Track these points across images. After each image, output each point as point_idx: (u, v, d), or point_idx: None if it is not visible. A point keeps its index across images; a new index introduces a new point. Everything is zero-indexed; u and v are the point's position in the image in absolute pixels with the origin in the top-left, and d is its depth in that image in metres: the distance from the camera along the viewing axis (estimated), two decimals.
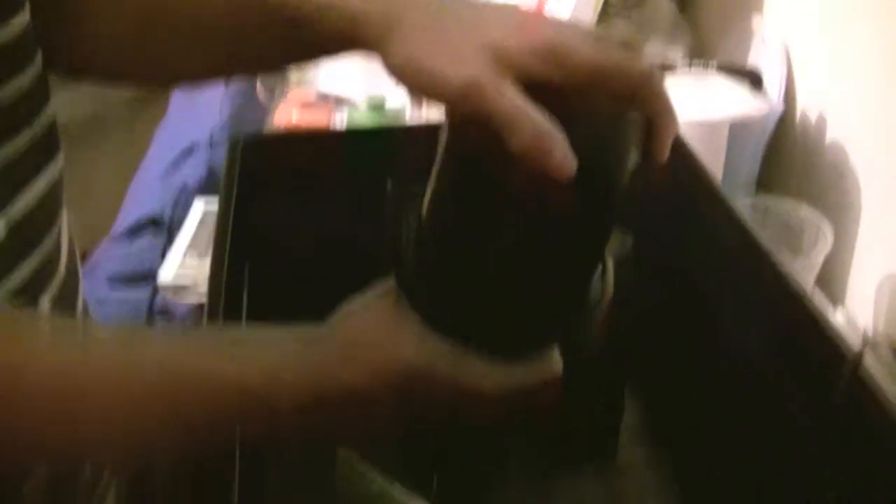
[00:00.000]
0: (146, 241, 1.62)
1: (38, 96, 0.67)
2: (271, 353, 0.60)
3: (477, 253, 0.62)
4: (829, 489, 0.70)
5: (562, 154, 0.55)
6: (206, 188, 1.60)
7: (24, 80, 0.64)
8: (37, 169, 0.67)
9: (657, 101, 0.60)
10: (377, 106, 1.59)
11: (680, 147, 0.97)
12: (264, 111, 1.73)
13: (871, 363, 0.68)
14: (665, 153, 0.61)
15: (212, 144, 1.65)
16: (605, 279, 0.67)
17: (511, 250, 0.62)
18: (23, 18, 0.64)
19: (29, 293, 0.66)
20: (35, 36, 0.66)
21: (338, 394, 0.60)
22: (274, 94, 1.71)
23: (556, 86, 0.58)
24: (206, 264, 1.35)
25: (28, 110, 0.66)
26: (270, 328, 0.62)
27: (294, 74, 1.75)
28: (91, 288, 1.41)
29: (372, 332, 0.63)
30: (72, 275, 0.73)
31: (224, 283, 0.74)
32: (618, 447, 0.97)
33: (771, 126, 1.39)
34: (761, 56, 1.52)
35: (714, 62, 1.46)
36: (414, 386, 0.61)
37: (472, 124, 0.57)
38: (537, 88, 0.57)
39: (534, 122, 0.55)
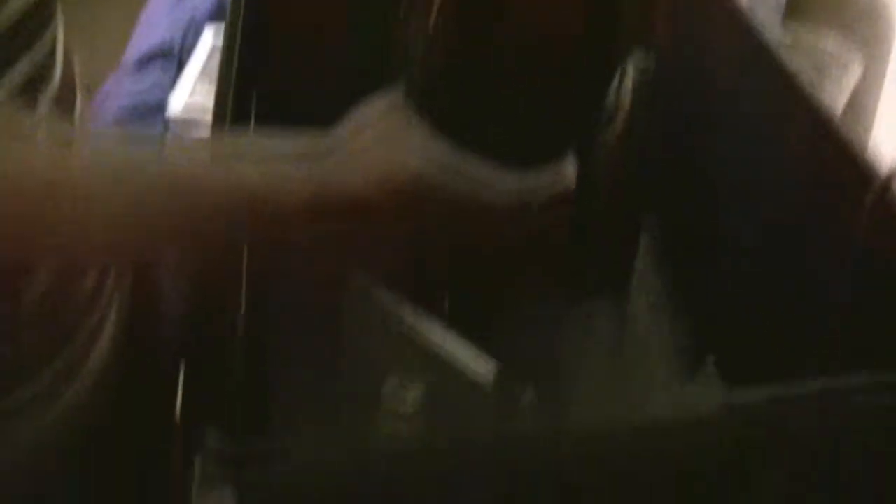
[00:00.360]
0: (156, 74, 1.59)
1: None
2: (275, 158, 0.59)
3: (485, 55, 0.61)
4: (851, 325, 0.69)
5: None
6: (215, 16, 1.56)
7: None
8: None
9: None
10: None
11: None
12: None
13: None
14: None
15: None
16: (622, 91, 0.65)
17: (519, 50, 0.60)
18: None
19: (26, 94, 0.64)
20: None
21: (344, 202, 0.59)
22: None
23: None
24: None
25: None
26: (274, 138, 0.60)
27: None
28: (100, 124, 1.39)
29: (379, 141, 0.61)
30: (69, 74, 0.71)
31: (230, 109, 0.72)
32: (631, 280, 0.96)
33: None
34: None
35: None
36: (421, 195, 0.60)
37: None
38: None
39: None
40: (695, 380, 0.79)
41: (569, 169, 0.65)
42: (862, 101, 1.23)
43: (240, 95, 0.76)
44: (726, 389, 0.79)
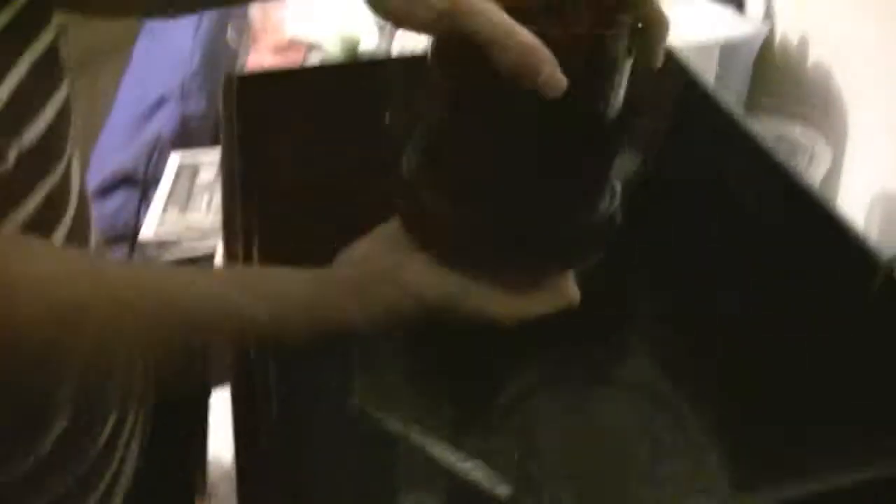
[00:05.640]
0: (119, 200, 1.59)
1: (35, 20, 0.64)
2: (282, 291, 0.59)
3: (481, 173, 0.62)
4: (863, 397, 0.70)
5: (550, 70, 0.53)
6: (179, 139, 1.57)
7: (15, 7, 0.61)
8: (44, 96, 0.64)
9: (646, 5, 0.58)
10: (351, 46, 1.56)
11: (680, 68, 0.96)
12: (234, 58, 1.69)
13: None
14: (659, 58, 0.60)
15: (183, 94, 1.62)
16: (613, 201, 0.66)
17: (514, 166, 0.61)
18: None
19: (42, 226, 0.64)
20: None
21: (348, 328, 0.60)
22: (244, 40, 1.67)
23: (537, 4, 0.57)
24: (188, 219, 1.33)
25: (26, 33, 0.63)
26: (280, 268, 0.61)
27: (260, 19, 1.72)
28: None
29: (383, 268, 0.62)
30: (83, 207, 0.71)
31: (240, 227, 0.72)
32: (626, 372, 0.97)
33: (757, 46, 1.38)
34: None
35: None
36: (428, 317, 0.61)
37: (458, 44, 0.55)
38: (519, 8, 0.56)
39: (519, 39, 0.53)
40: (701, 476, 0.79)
41: (572, 287, 0.65)
42: (823, 187, 1.26)
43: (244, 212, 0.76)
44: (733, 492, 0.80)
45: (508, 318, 0.62)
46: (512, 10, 0.55)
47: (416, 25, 0.58)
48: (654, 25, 0.59)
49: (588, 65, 0.57)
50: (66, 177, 0.68)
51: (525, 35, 0.53)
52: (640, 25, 0.59)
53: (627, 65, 0.59)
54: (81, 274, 0.54)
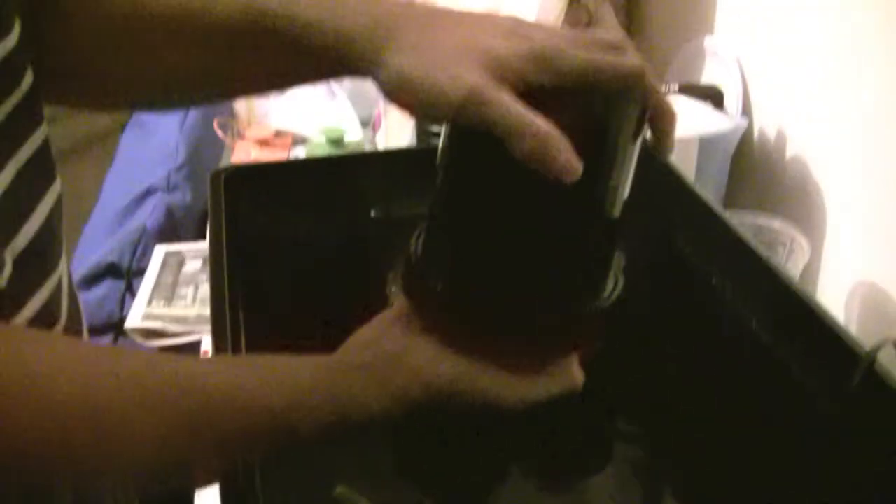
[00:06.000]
0: (104, 290, 1.59)
1: (27, 119, 0.64)
2: (294, 378, 0.59)
3: (486, 256, 0.63)
4: (845, 489, 0.70)
5: (566, 156, 0.55)
6: (165, 231, 1.58)
7: (7, 106, 0.62)
8: (35, 197, 0.64)
9: (652, 94, 0.60)
10: (336, 139, 1.58)
11: (660, 162, 0.97)
12: (220, 151, 1.71)
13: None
14: (671, 142, 0.62)
15: (169, 187, 1.63)
16: (617, 284, 0.67)
17: (520, 250, 0.62)
18: (8, 43, 0.62)
19: (41, 324, 0.64)
20: (23, 60, 0.64)
21: (359, 417, 0.60)
22: (230, 133, 1.69)
23: (550, 89, 0.58)
24: (173, 309, 1.34)
25: (16, 134, 0.63)
26: (290, 356, 0.61)
27: (245, 111, 1.74)
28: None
29: (389, 354, 0.62)
30: (74, 311, 0.71)
31: (229, 322, 0.73)
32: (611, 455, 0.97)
33: (736, 141, 1.40)
34: (715, 73, 1.54)
35: (675, 84, 1.47)
36: (434, 403, 0.61)
37: (473, 133, 0.57)
38: (533, 94, 0.57)
39: (535, 128, 0.55)
40: None
41: (576, 369, 0.66)
42: (802, 280, 1.27)
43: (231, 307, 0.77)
44: None
45: (515, 400, 0.63)
46: (525, 98, 0.56)
47: (433, 116, 0.59)
48: (663, 114, 0.61)
49: (598, 152, 0.59)
50: (59, 283, 0.68)
51: (541, 122, 0.55)
52: (647, 114, 0.61)
53: (636, 151, 0.61)
54: (90, 366, 0.54)
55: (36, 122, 0.66)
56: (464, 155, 0.62)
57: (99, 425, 0.52)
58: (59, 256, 0.68)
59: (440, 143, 0.63)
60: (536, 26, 0.62)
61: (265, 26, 0.65)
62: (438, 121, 0.62)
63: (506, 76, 0.57)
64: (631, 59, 0.60)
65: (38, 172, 0.65)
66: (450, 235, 0.65)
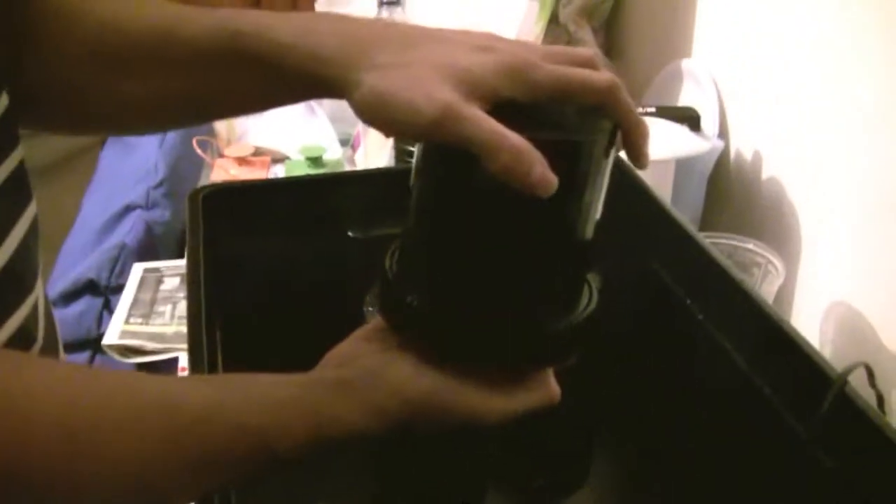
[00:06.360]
0: (81, 306, 1.58)
1: (1, 143, 0.64)
2: (271, 395, 0.59)
3: (462, 271, 0.63)
4: None
5: (541, 170, 0.55)
6: (143, 249, 1.57)
7: None
8: (11, 219, 0.64)
9: (623, 109, 0.61)
10: (315, 158, 1.58)
11: (636, 184, 0.98)
12: (200, 169, 1.71)
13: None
14: (645, 157, 0.63)
15: (149, 205, 1.63)
16: (591, 299, 0.68)
17: (495, 265, 0.62)
18: None
19: (18, 346, 0.64)
20: None
21: (339, 434, 0.59)
22: (209, 152, 1.69)
23: (523, 105, 0.59)
24: (150, 326, 1.34)
25: None
26: (267, 374, 0.61)
27: (225, 130, 1.74)
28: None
29: (367, 370, 0.62)
30: (51, 331, 0.71)
31: (205, 341, 0.73)
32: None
33: (712, 162, 1.41)
34: (693, 95, 1.55)
35: (653, 108, 1.48)
36: (413, 419, 0.61)
37: (447, 150, 0.57)
38: (506, 109, 0.58)
39: (509, 143, 0.55)
40: None
41: (553, 383, 0.66)
42: (777, 301, 1.28)
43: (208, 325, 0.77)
44: None
45: (493, 415, 0.62)
46: (499, 114, 0.57)
47: (408, 134, 0.59)
48: (634, 129, 0.61)
49: (570, 169, 0.59)
50: (35, 307, 0.68)
51: (514, 138, 0.55)
52: (618, 129, 0.61)
53: (608, 167, 0.62)
54: (67, 387, 0.54)
55: (11, 144, 0.65)
56: (437, 172, 0.63)
57: (77, 446, 0.52)
58: (35, 278, 0.68)
59: (414, 161, 0.64)
60: (510, 41, 0.62)
61: (239, 48, 0.65)
62: (413, 140, 0.62)
63: (479, 92, 0.57)
64: (602, 73, 0.61)
65: (14, 195, 0.65)
66: (424, 253, 0.65)
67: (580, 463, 0.98)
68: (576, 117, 0.61)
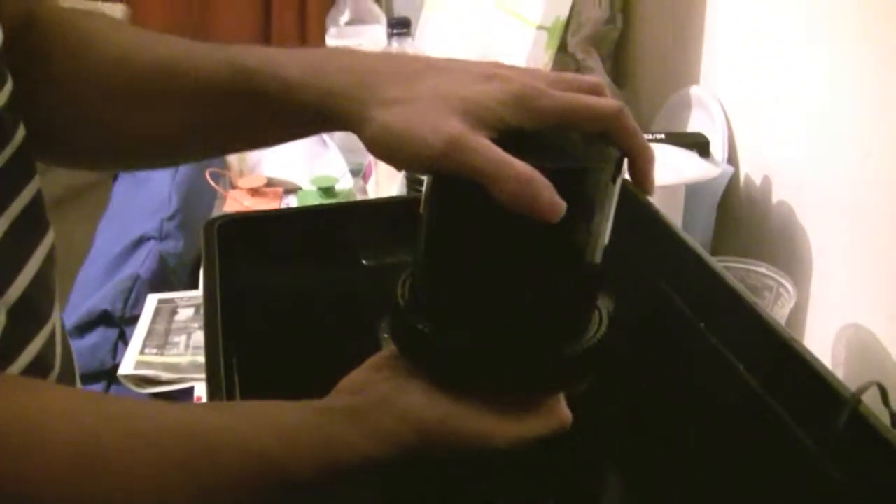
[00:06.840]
0: (96, 337, 1.59)
1: (18, 174, 0.66)
2: (286, 422, 0.60)
3: (473, 303, 0.64)
4: None
5: (549, 196, 0.56)
6: (157, 280, 1.58)
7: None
8: (28, 249, 0.65)
9: (629, 135, 0.61)
10: (327, 188, 1.59)
11: (647, 209, 0.99)
12: (213, 200, 1.72)
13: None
14: (650, 183, 0.63)
15: (162, 236, 1.64)
16: (601, 324, 0.68)
17: (505, 292, 0.63)
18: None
19: (36, 374, 0.64)
20: (14, 115, 0.65)
21: (352, 460, 0.60)
22: (222, 183, 1.70)
23: (530, 132, 0.60)
24: (165, 357, 1.34)
25: (8, 187, 0.64)
26: (281, 401, 0.61)
27: (237, 161, 1.75)
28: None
29: (380, 397, 0.63)
30: (67, 359, 0.72)
31: (223, 369, 0.73)
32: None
33: (722, 187, 1.42)
34: (701, 121, 1.56)
35: (662, 134, 1.49)
36: (426, 445, 0.61)
37: (455, 180, 0.58)
38: (513, 137, 0.59)
39: (516, 171, 0.55)
40: None
41: (564, 408, 0.67)
42: (789, 325, 1.28)
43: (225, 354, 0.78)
44: None
45: (505, 441, 0.63)
46: (503, 144, 0.57)
47: (417, 168, 0.60)
48: (640, 155, 0.62)
49: (578, 196, 0.59)
50: (52, 334, 0.68)
51: (522, 165, 0.56)
52: (625, 155, 0.62)
53: (616, 194, 0.62)
54: (86, 415, 0.54)
55: (28, 175, 0.67)
56: (446, 202, 0.63)
57: (97, 474, 0.53)
58: (52, 306, 0.68)
59: (423, 190, 0.65)
60: (516, 68, 0.63)
61: (248, 85, 0.66)
62: (422, 172, 0.63)
63: (485, 121, 0.58)
64: (608, 99, 0.62)
65: (31, 225, 0.66)
66: (435, 281, 0.66)
67: (590, 483, 0.98)
68: (582, 144, 0.62)
